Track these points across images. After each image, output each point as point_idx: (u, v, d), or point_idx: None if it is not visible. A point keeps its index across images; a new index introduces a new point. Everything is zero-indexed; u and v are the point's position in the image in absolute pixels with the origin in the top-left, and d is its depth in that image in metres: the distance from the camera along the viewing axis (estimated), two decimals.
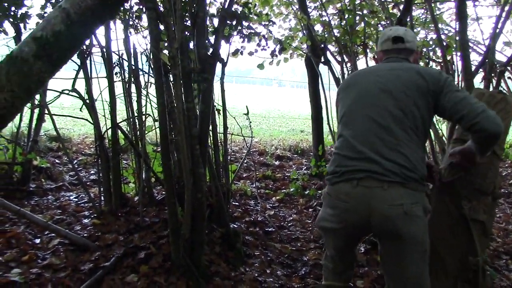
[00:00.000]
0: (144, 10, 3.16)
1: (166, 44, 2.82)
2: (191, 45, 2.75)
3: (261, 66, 4.71)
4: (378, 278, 2.75)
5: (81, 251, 2.62)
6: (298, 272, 2.89)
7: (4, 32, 3.32)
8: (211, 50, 2.76)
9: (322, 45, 4.54)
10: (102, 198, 3.29)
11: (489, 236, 2.00)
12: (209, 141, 2.97)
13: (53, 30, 1.07)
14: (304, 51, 5.54)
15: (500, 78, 3.43)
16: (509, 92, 4.14)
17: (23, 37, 3.42)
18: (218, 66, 2.90)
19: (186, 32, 2.59)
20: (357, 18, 4.10)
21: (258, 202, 4.24)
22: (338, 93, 2.01)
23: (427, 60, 4.47)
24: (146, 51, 3.33)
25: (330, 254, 1.91)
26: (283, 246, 3.26)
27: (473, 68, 3.10)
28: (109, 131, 3.22)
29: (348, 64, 4.27)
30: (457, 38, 3.04)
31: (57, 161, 4.98)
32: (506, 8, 3.22)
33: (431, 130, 3.30)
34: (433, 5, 3.82)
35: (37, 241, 2.72)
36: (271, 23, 4.10)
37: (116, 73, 3.24)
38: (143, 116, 3.36)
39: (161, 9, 2.40)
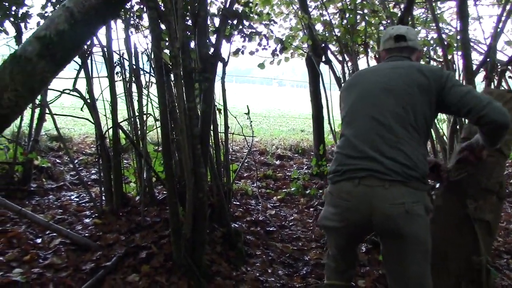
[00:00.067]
0: (145, 9, 3.16)
1: (167, 44, 2.82)
2: (192, 44, 2.75)
3: (262, 66, 4.70)
4: (380, 278, 2.75)
5: (83, 251, 2.62)
6: (300, 272, 2.89)
7: (5, 31, 3.31)
8: (212, 49, 2.76)
9: (323, 45, 4.53)
10: (103, 198, 3.29)
11: (494, 236, 1.99)
12: (210, 141, 2.97)
13: (57, 29, 1.07)
14: (304, 51, 5.54)
15: (502, 78, 3.42)
16: None
17: (24, 36, 3.43)
18: (219, 65, 2.90)
19: (187, 32, 2.59)
20: (358, 17, 4.10)
21: (259, 201, 4.24)
22: (340, 93, 2.02)
23: (428, 59, 4.47)
24: (147, 50, 3.33)
25: (332, 253, 1.91)
26: (284, 245, 3.26)
27: (474, 67, 3.10)
28: (110, 131, 3.22)
29: (349, 64, 4.27)
30: (458, 37, 3.04)
31: (57, 160, 4.98)
32: (508, 7, 3.21)
33: (432, 130, 3.29)
34: (433, 4, 3.82)
35: (39, 241, 2.72)
36: (272, 22, 4.10)
37: (117, 73, 3.24)
38: (144, 116, 3.35)
39: (162, 8, 2.40)
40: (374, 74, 1.86)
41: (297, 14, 5.25)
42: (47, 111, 3.61)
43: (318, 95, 5.69)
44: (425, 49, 4.39)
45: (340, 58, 4.41)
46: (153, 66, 3.22)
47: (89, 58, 3.19)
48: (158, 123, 3.05)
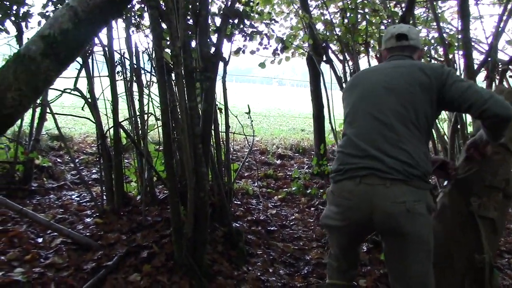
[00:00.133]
0: (146, 8, 3.16)
1: (168, 43, 2.82)
2: (193, 43, 2.75)
3: (262, 65, 4.71)
4: (381, 277, 2.75)
5: (84, 250, 2.62)
6: (301, 271, 2.89)
7: (6, 31, 3.31)
8: (213, 49, 2.76)
9: (324, 44, 4.53)
10: (104, 197, 3.29)
11: (500, 235, 1.97)
12: (211, 140, 2.97)
13: (61, 28, 1.06)
14: (305, 50, 5.53)
15: (503, 77, 3.42)
16: None
17: (25, 36, 3.43)
18: (220, 65, 2.90)
19: (189, 31, 2.58)
20: (359, 16, 4.10)
21: (260, 201, 4.24)
22: (343, 93, 2.03)
23: (429, 59, 4.47)
24: (148, 49, 3.33)
25: (334, 253, 1.91)
26: (286, 245, 3.25)
27: (475, 66, 3.09)
28: (111, 130, 3.22)
29: (350, 63, 4.26)
30: (459, 36, 3.03)
31: (58, 160, 4.98)
32: (509, 6, 3.21)
33: (433, 130, 3.29)
34: (434, 3, 3.81)
35: (40, 240, 2.71)
36: (273, 21, 4.10)
37: (118, 72, 3.24)
38: (145, 115, 3.35)
39: (163, 7, 2.39)
40: (376, 74, 1.87)
41: (298, 13, 5.24)
42: (48, 110, 3.61)
43: (319, 95, 5.68)
44: (426, 48, 4.39)
45: (341, 58, 4.41)
46: (154, 65, 3.22)
47: (90, 57, 3.19)
48: (159, 123, 3.05)
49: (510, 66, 3.47)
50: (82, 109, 3.33)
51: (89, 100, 3.18)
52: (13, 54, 1.09)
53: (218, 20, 3.23)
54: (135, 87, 3.36)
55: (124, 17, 3.24)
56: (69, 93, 3.15)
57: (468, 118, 3.43)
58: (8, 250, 2.53)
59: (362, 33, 4.12)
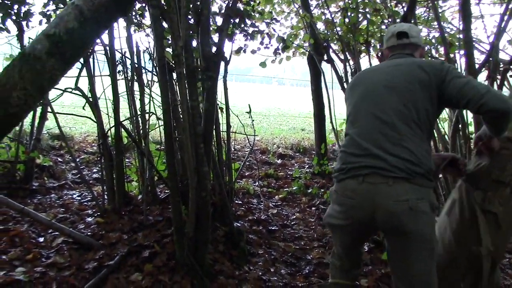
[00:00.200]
0: (147, 8, 3.15)
1: (169, 42, 2.81)
2: (194, 43, 2.74)
3: (263, 64, 4.71)
4: (383, 277, 2.75)
5: (85, 250, 2.62)
6: (302, 271, 2.89)
7: (7, 30, 3.31)
8: (214, 48, 2.75)
9: (325, 43, 4.53)
10: (106, 197, 3.29)
11: (508, 231, 1.95)
12: (213, 140, 2.97)
13: (66, 27, 1.06)
14: (306, 49, 5.53)
15: (504, 77, 3.41)
16: None
17: (26, 35, 3.42)
18: (221, 64, 2.89)
19: (190, 30, 2.58)
20: (360, 16, 4.09)
21: (261, 200, 4.24)
22: (345, 93, 2.03)
23: (430, 58, 4.47)
24: (149, 49, 3.33)
25: (337, 252, 1.91)
26: (287, 244, 3.25)
27: (477, 66, 3.09)
28: (112, 129, 3.22)
29: (351, 62, 4.26)
30: (461, 36, 3.03)
31: (59, 159, 4.98)
32: (510, 5, 3.20)
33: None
34: (435, 3, 3.81)
35: (41, 239, 2.72)
36: (274, 21, 4.09)
37: (119, 71, 3.24)
38: (147, 115, 3.35)
39: (165, 7, 2.39)
40: (377, 73, 1.87)
41: (298, 12, 5.24)
42: (49, 109, 3.61)
43: (320, 94, 5.69)
44: (427, 48, 4.38)
45: (342, 57, 4.41)
46: (155, 64, 3.21)
47: (91, 56, 3.18)
48: (160, 122, 3.05)
49: (511, 66, 3.46)
50: (83, 108, 3.33)
51: (90, 99, 3.18)
52: (18, 53, 1.08)
53: (218, 19, 3.23)
54: (136, 86, 3.36)
55: (125, 16, 3.23)
56: (71, 92, 3.14)
57: (470, 117, 3.44)
58: (9, 250, 2.53)
59: (363, 33, 4.12)
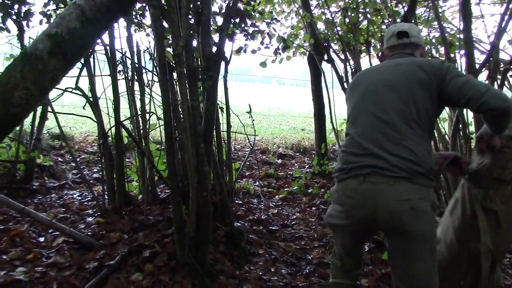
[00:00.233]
0: (147, 7, 3.15)
1: (170, 42, 2.81)
2: (194, 43, 2.74)
3: (263, 64, 4.71)
4: (383, 277, 2.75)
5: (86, 250, 2.62)
6: (303, 271, 2.89)
7: (7, 30, 3.30)
8: (215, 48, 2.75)
9: (325, 43, 4.53)
10: (106, 197, 3.29)
11: (508, 229, 1.95)
12: (213, 139, 2.97)
13: (68, 27, 1.06)
14: (306, 49, 5.53)
15: (505, 77, 3.42)
16: None
17: (26, 34, 3.42)
18: (221, 64, 2.89)
19: (191, 30, 2.58)
20: (360, 16, 4.09)
21: (262, 200, 4.24)
22: (346, 93, 2.03)
23: (430, 58, 4.47)
24: (149, 48, 3.33)
25: (338, 252, 1.91)
26: (287, 244, 3.25)
27: (477, 66, 3.09)
28: (113, 129, 3.22)
29: (352, 62, 4.26)
30: (461, 36, 3.03)
31: (59, 159, 4.98)
32: (511, 5, 3.20)
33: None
34: (436, 3, 3.81)
35: (41, 239, 2.71)
36: (274, 20, 4.09)
37: (119, 71, 3.24)
38: (147, 114, 3.35)
39: (165, 7, 2.39)
40: (377, 73, 1.87)
41: (299, 12, 5.24)
42: (49, 109, 3.61)
43: (320, 94, 5.69)
44: (427, 48, 4.38)
45: (343, 57, 4.41)
46: (155, 64, 3.21)
47: (92, 56, 3.18)
48: (161, 122, 3.05)
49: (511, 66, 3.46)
50: (84, 108, 3.33)
51: (91, 99, 3.18)
52: (20, 53, 1.08)
53: (218, 19, 3.23)
54: (136, 86, 3.36)
55: (126, 16, 3.23)
56: (71, 92, 3.14)
57: (470, 117, 3.44)
58: (10, 249, 2.53)
59: (363, 33, 4.12)
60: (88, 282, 2.28)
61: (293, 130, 10.45)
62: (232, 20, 2.99)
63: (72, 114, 4.00)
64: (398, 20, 3.74)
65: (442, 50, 4.31)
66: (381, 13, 4.29)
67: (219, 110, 3.19)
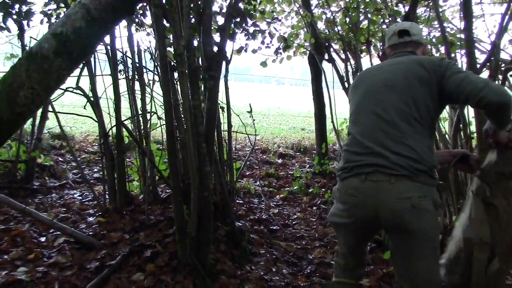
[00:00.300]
0: (148, 7, 3.14)
1: (171, 41, 2.81)
2: (195, 42, 2.74)
3: (264, 64, 4.71)
4: (384, 277, 2.75)
5: (87, 250, 2.61)
6: (304, 271, 2.89)
7: (8, 29, 3.29)
8: (216, 48, 2.75)
9: (326, 43, 4.52)
10: (107, 196, 3.28)
11: (508, 226, 1.94)
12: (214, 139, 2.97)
13: (74, 27, 1.05)
14: (307, 49, 5.53)
15: (506, 77, 3.41)
16: None
17: (26, 34, 3.42)
18: (222, 64, 2.89)
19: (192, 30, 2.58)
20: (361, 15, 4.09)
21: (262, 200, 4.24)
22: (348, 93, 2.03)
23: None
24: (150, 48, 3.32)
25: (341, 251, 1.91)
26: (288, 244, 3.25)
27: (478, 65, 3.08)
28: (114, 129, 3.21)
29: (352, 62, 4.26)
30: (462, 35, 3.02)
31: (60, 159, 4.97)
32: None
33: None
34: (436, 2, 3.80)
35: (43, 239, 2.71)
36: (275, 20, 4.09)
37: (120, 71, 3.23)
38: (148, 114, 3.35)
39: (166, 6, 2.38)
40: (378, 72, 1.88)
41: (299, 12, 5.24)
42: (50, 109, 3.60)
43: (321, 93, 5.69)
44: (428, 47, 4.38)
45: (343, 57, 4.41)
46: (156, 64, 3.21)
47: (92, 56, 3.17)
48: (162, 121, 3.05)
49: None
50: (84, 107, 3.32)
51: (92, 99, 3.18)
52: (25, 52, 1.07)
53: (219, 19, 3.22)
54: (137, 85, 3.35)
55: (131, 16, 3.22)
56: (72, 91, 3.14)
57: (471, 117, 3.43)
58: (11, 249, 2.52)
59: (364, 32, 4.11)
60: (90, 282, 2.28)
61: (293, 129, 10.45)
62: (233, 19, 2.99)
63: (73, 114, 3.99)
64: (399, 19, 3.73)
65: (442, 49, 4.31)
66: (382, 13, 4.28)
67: (220, 110, 3.18)
